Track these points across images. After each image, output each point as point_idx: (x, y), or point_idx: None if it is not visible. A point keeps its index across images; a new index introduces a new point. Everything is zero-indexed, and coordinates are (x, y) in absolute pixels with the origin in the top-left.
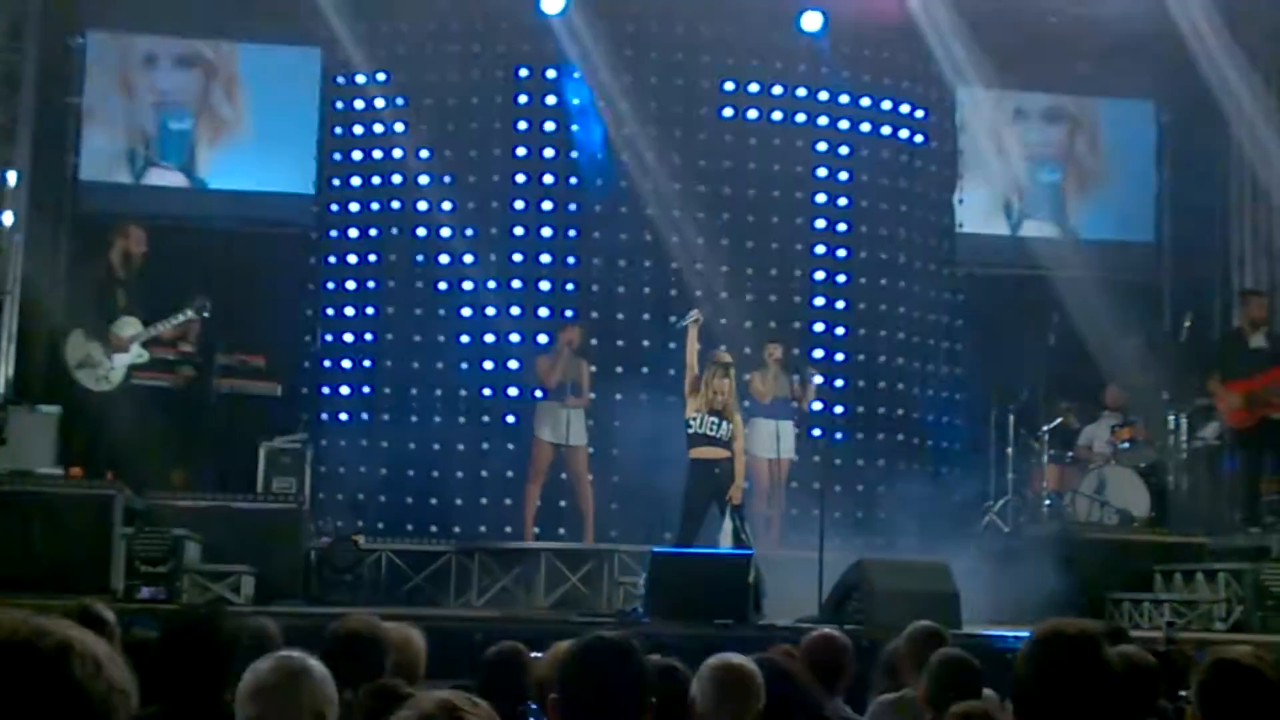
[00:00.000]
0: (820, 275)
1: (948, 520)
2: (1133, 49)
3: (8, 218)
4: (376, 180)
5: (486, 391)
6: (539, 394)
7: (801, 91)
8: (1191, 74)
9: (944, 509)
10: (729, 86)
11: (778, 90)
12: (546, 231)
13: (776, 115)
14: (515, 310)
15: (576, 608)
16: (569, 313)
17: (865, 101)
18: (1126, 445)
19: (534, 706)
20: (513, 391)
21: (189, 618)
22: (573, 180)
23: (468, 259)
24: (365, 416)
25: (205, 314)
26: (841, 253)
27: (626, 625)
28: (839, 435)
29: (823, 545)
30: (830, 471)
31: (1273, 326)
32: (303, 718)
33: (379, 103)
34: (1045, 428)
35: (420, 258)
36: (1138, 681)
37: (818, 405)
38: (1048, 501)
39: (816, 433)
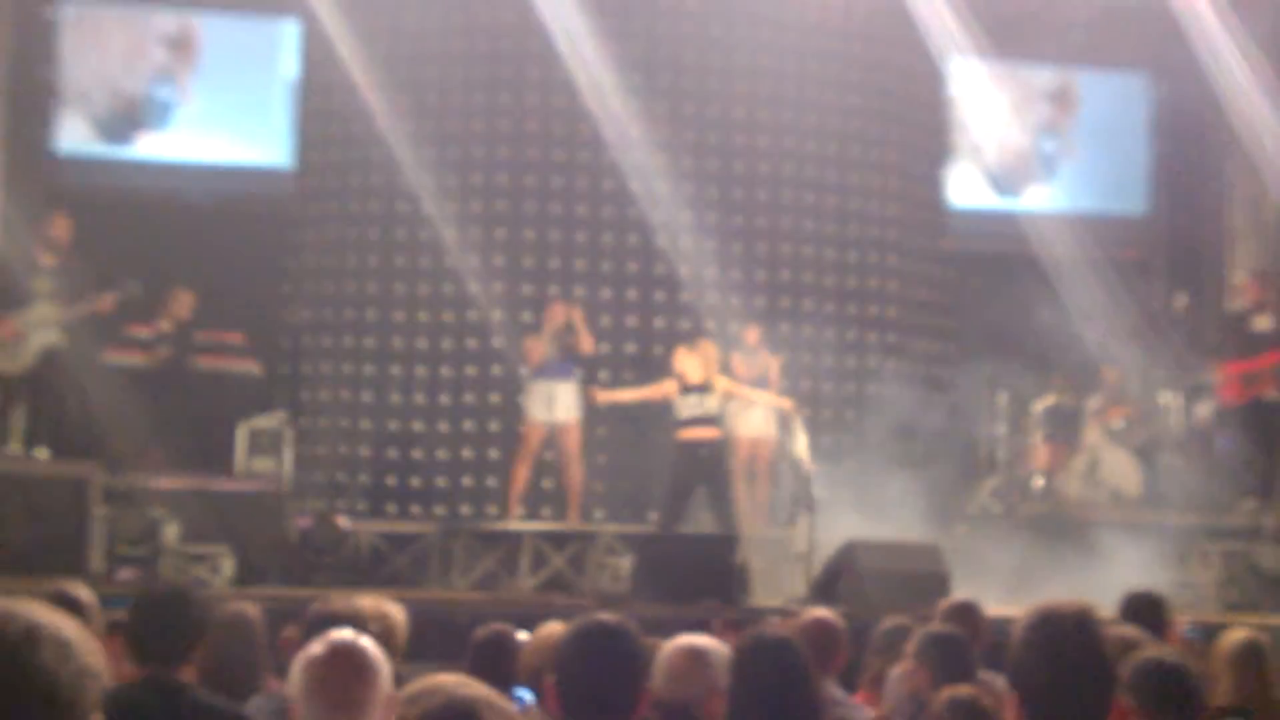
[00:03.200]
0: (809, 250)
1: (939, 500)
2: (1128, 20)
3: None
4: (356, 155)
5: (470, 370)
6: (526, 373)
7: (790, 64)
8: (1187, 47)
9: (936, 488)
10: (715, 58)
11: (765, 62)
12: (530, 207)
13: (764, 88)
14: (499, 287)
15: (561, 589)
16: (553, 289)
17: (855, 75)
18: (1120, 425)
19: (519, 693)
20: (496, 370)
21: (158, 593)
22: (556, 155)
23: (450, 235)
24: (346, 395)
25: (128, 297)
26: (831, 228)
27: (611, 607)
28: (828, 413)
29: (812, 526)
30: (819, 450)
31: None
32: (368, 710)
33: (359, 76)
34: (1038, 406)
35: (402, 234)
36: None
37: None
38: (1040, 481)
39: (805, 411)
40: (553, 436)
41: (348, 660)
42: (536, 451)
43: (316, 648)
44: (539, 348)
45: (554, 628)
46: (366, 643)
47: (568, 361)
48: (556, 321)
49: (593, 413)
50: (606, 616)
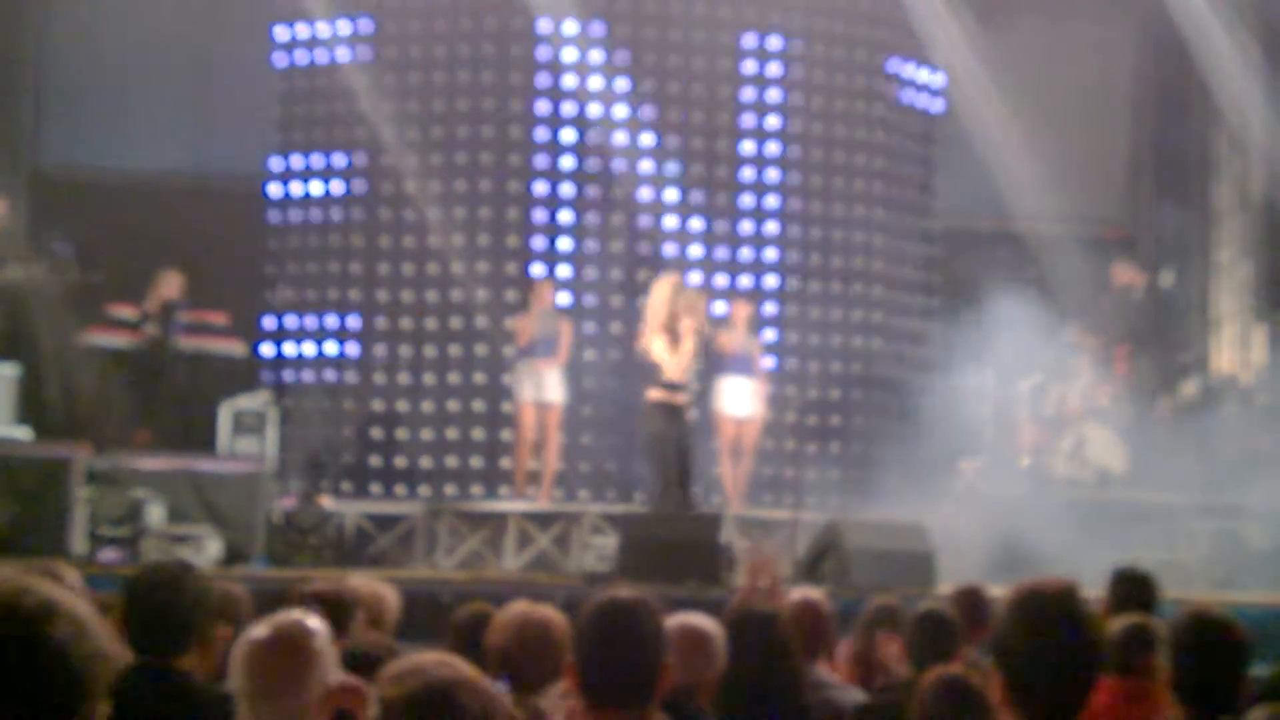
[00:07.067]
0: (795, 231)
1: (924, 479)
2: None
3: None
4: (340, 134)
5: (454, 350)
6: (516, 354)
7: (774, 43)
8: (1172, 23)
9: (920, 468)
10: (700, 37)
11: (750, 41)
12: (514, 187)
13: (749, 67)
14: (483, 266)
15: (546, 569)
16: (540, 268)
17: (839, 53)
18: (1106, 403)
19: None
20: (481, 349)
21: (152, 576)
22: (541, 134)
23: (433, 215)
24: (330, 375)
25: (57, 256)
26: (816, 208)
27: (594, 587)
28: (814, 393)
29: (798, 505)
30: (805, 430)
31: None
32: (308, 692)
33: (341, 53)
34: (1024, 385)
35: (385, 213)
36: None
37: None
38: (1026, 460)
39: (791, 391)
40: (540, 416)
41: (286, 645)
42: (535, 431)
43: (259, 630)
44: (528, 327)
45: (520, 607)
46: (314, 627)
47: (552, 341)
48: (545, 301)
49: (577, 393)
50: (625, 594)
